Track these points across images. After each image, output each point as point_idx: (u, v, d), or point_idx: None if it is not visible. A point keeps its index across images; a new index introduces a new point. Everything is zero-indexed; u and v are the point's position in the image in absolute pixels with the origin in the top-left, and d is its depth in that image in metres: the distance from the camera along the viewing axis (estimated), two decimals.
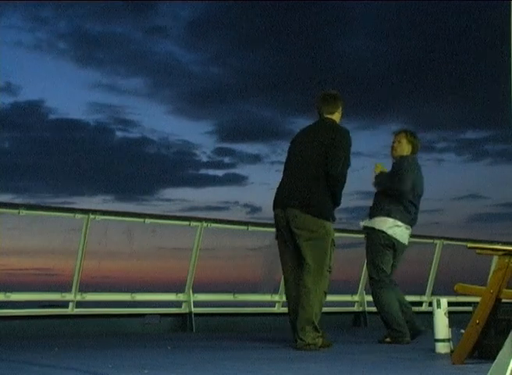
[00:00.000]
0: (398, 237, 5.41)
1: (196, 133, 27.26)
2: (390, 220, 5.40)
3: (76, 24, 21.75)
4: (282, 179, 5.01)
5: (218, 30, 21.72)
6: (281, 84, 19.13)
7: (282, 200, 4.91)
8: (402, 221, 5.42)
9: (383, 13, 19.11)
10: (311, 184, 4.84)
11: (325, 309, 5.81)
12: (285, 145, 5.23)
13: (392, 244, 5.41)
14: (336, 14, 19.21)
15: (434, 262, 8.56)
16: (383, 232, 5.40)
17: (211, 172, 21.92)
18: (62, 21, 22.37)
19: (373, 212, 5.51)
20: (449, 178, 21.50)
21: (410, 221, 5.49)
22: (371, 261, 5.45)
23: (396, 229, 5.41)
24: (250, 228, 7.24)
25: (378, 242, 5.41)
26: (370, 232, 5.49)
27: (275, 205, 4.96)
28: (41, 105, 22.19)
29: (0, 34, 19.23)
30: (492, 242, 8.27)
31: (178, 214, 6.92)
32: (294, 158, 4.97)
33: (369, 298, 6.58)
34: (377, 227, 5.43)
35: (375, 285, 5.41)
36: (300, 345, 4.64)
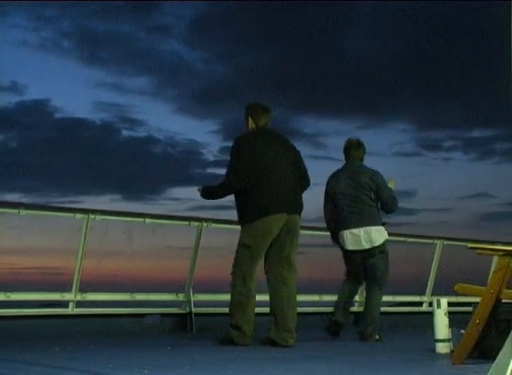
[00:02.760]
0: (344, 246, 5.74)
1: (202, 132, 27.19)
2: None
3: (80, 23, 21.75)
4: (268, 184, 5.04)
5: (222, 28, 21.73)
6: (286, 83, 19.08)
7: (285, 205, 5.06)
8: (341, 229, 5.76)
9: (386, 13, 19.12)
10: (300, 192, 5.23)
11: (325, 309, 5.84)
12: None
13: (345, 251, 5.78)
14: (339, 13, 19.20)
15: (434, 262, 8.55)
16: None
17: (218, 171, 21.82)
18: (66, 20, 22.30)
19: None
20: (456, 177, 21.50)
21: (343, 224, 5.73)
22: None
23: (342, 238, 5.75)
24: None
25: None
26: None
27: (278, 209, 5.03)
28: (47, 103, 22.23)
29: (5, 34, 19.26)
30: (492, 242, 8.26)
31: (179, 214, 6.87)
32: (275, 167, 5.10)
33: None
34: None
35: None
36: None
